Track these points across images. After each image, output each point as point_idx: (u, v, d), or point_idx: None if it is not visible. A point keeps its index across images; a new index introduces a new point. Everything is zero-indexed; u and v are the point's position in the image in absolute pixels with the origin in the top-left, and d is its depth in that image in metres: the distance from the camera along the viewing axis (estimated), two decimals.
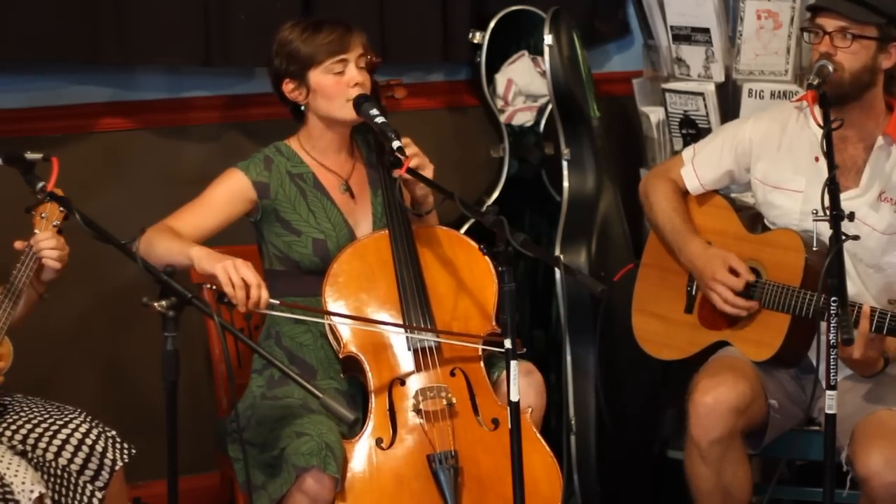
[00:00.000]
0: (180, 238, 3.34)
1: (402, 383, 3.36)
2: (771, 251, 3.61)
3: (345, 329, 3.38)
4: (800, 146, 3.64)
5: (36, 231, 3.33)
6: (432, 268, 3.47)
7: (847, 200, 3.43)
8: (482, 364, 3.43)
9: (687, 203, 3.81)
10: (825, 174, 3.48)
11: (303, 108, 3.49)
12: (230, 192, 3.46)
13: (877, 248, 3.56)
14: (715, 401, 3.44)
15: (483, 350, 3.42)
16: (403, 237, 3.45)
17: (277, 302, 3.26)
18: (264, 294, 3.20)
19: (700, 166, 3.77)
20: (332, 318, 3.37)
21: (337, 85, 3.42)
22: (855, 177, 3.57)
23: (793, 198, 3.62)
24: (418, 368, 3.37)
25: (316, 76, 3.43)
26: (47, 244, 3.28)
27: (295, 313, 3.38)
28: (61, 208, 3.29)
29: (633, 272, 3.90)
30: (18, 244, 3.30)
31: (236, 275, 3.17)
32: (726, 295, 3.58)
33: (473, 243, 3.53)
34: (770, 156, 3.68)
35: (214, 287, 3.19)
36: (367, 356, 3.36)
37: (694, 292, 3.74)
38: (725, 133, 3.80)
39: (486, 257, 3.45)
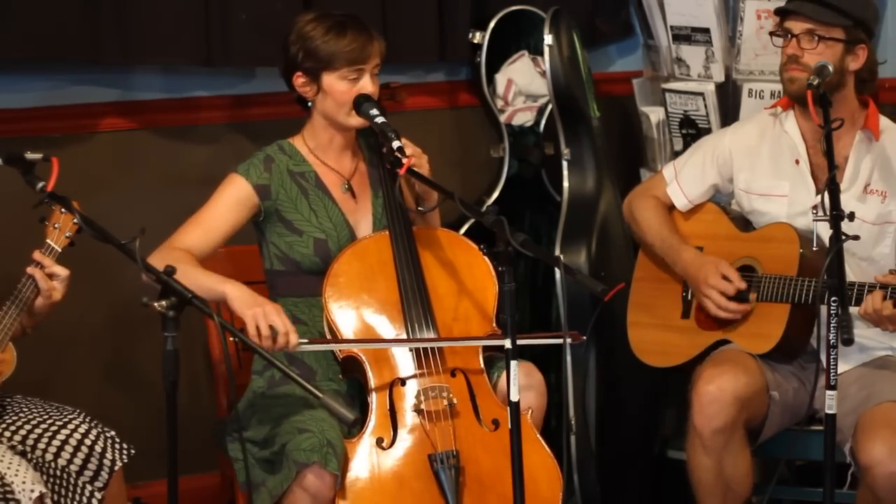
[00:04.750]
0: (208, 271, 3.33)
1: (403, 383, 3.36)
2: (765, 246, 3.64)
3: (346, 329, 3.38)
4: (780, 152, 3.69)
5: (48, 241, 3.32)
6: (433, 269, 3.47)
7: None
8: (482, 365, 3.43)
9: (675, 213, 3.83)
10: (807, 177, 3.57)
11: (309, 104, 3.49)
12: (234, 200, 3.45)
13: (868, 240, 3.59)
14: (718, 389, 3.45)
15: (485, 351, 3.43)
16: (404, 238, 3.45)
17: (306, 341, 3.30)
18: (293, 339, 3.22)
19: (685, 183, 3.81)
20: (357, 345, 3.36)
21: (348, 93, 3.42)
22: (838, 174, 3.59)
23: (779, 203, 3.66)
24: (419, 369, 3.37)
25: (330, 79, 3.43)
26: (61, 281, 3.29)
27: (322, 347, 3.39)
28: (74, 220, 3.28)
29: (623, 291, 3.89)
30: (37, 255, 3.29)
31: (264, 324, 3.19)
32: (719, 300, 3.61)
33: (473, 244, 3.53)
34: (751, 165, 3.73)
35: (241, 339, 3.15)
36: (367, 357, 3.36)
37: (690, 297, 3.76)
38: (705, 147, 3.84)
39: (486, 258, 3.46)
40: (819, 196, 3.26)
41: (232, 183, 3.47)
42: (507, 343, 3.01)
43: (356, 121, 3.44)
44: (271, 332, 3.19)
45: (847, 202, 3.45)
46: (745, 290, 3.61)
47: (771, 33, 3.67)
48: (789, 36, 3.56)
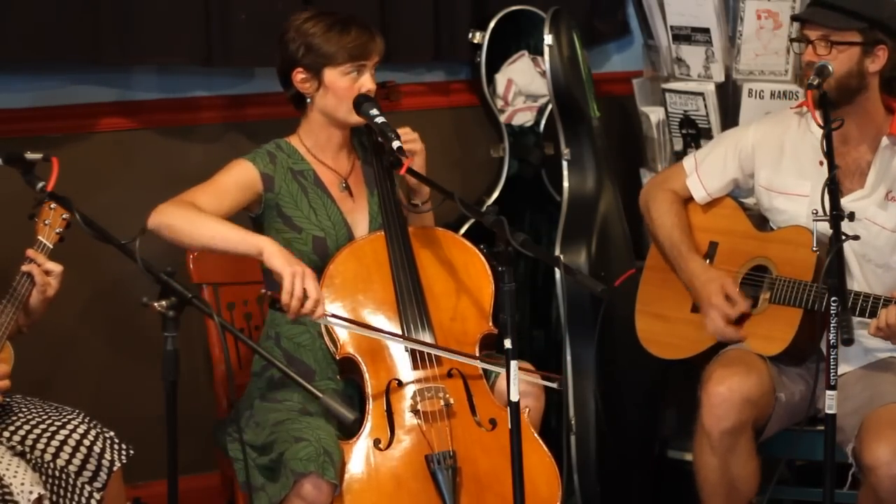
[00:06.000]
0: (238, 226, 3.33)
1: (400, 384, 3.35)
2: (781, 248, 3.64)
3: (342, 330, 3.37)
4: (803, 151, 3.66)
5: (40, 238, 3.33)
6: (429, 268, 3.47)
7: (854, 202, 3.47)
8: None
9: (692, 206, 3.83)
10: None
11: (308, 100, 3.49)
12: (240, 179, 3.45)
13: (886, 247, 3.58)
14: (729, 390, 3.45)
15: (482, 350, 3.43)
16: (399, 238, 3.45)
17: (331, 314, 3.29)
18: (319, 310, 3.23)
19: (705, 176, 3.80)
20: (381, 335, 3.36)
21: (350, 89, 3.43)
22: (860, 179, 3.59)
23: (799, 202, 3.64)
24: (416, 369, 3.37)
25: (331, 75, 3.43)
26: (55, 277, 3.30)
27: (346, 327, 3.37)
28: (64, 215, 3.31)
29: (633, 277, 3.90)
30: (31, 252, 3.31)
31: (300, 286, 3.19)
32: (718, 322, 3.62)
33: (470, 244, 3.53)
34: (773, 162, 3.70)
35: (270, 293, 3.21)
36: (364, 357, 3.36)
37: None
38: (727, 141, 3.82)
39: (482, 257, 3.46)
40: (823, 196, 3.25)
41: (239, 165, 3.47)
42: (507, 343, 3.00)
43: (357, 117, 3.45)
44: (304, 296, 3.19)
45: (867, 208, 3.47)
46: (758, 283, 3.62)
47: (791, 39, 3.66)
48: (807, 42, 3.55)
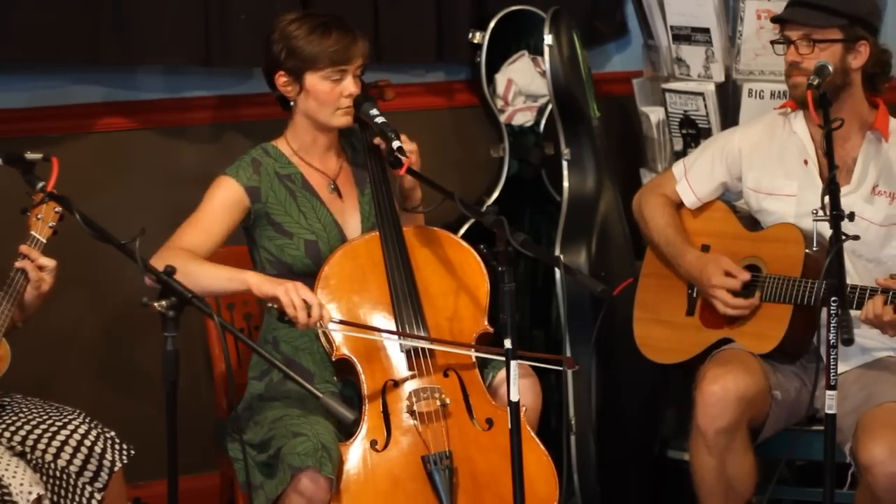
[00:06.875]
0: (220, 265, 3.36)
1: (396, 385, 3.36)
2: (770, 246, 3.65)
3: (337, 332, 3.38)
4: (789, 152, 3.69)
5: (33, 232, 3.33)
6: (424, 268, 3.47)
7: (842, 198, 3.46)
8: (476, 365, 3.43)
9: (684, 211, 3.84)
10: (816, 177, 3.57)
11: (291, 103, 3.48)
12: (226, 201, 3.44)
13: (875, 242, 3.59)
14: (723, 389, 3.46)
15: (478, 356, 3.43)
16: (394, 238, 3.45)
17: (338, 318, 3.33)
18: (325, 312, 3.27)
19: (694, 181, 3.82)
20: (406, 338, 3.37)
21: (331, 93, 3.42)
22: (846, 175, 3.61)
23: (787, 202, 3.66)
24: (411, 370, 3.37)
25: (312, 79, 3.42)
26: (49, 272, 3.30)
27: (356, 331, 3.38)
28: (56, 209, 3.30)
29: (632, 286, 3.90)
30: (24, 248, 3.31)
31: (297, 297, 3.23)
32: (726, 298, 3.63)
33: (465, 243, 3.53)
34: (760, 164, 3.73)
35: (276, 306, 3.25)
36: (359, 358, 3.36)
37: (695, 295, 3.77)
38: (715, 146, 3.85)
39: (478, 256, 3.46)
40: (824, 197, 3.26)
41: (223, 185, 3.46)
42: (508, 343, 3.00)
43: (339, 121, 3.45)
44: (305, 305, 3.23)
45: (855, 203, 3.48)
46: (751, 281, 3.62)
47: (772, 42, 3.68)
48: (789, 43, 3.58)
